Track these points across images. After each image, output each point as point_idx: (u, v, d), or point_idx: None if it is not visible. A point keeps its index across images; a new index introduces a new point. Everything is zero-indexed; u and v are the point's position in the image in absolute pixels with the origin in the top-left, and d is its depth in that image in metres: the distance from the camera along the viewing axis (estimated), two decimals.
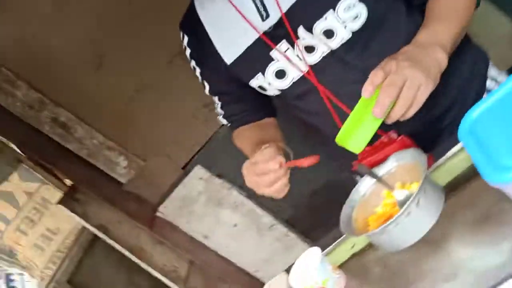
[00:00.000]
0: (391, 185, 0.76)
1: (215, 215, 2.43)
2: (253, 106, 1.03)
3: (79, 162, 2.23)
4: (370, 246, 0.83)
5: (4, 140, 2.23)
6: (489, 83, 0.92)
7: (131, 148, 2.23)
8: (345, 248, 0.88)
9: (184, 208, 2.42)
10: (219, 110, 1.07)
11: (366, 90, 0.66)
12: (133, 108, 2.10)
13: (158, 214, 2.42)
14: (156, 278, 2.25)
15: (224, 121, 1.08)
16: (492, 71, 0.94)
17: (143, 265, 2.22)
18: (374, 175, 0.79)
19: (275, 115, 1.07)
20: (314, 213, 2.16)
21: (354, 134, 0.71)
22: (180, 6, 1.02)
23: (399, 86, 0.65)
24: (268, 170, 0.78)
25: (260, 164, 0.78)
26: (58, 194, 2.22)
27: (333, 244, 0.92)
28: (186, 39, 0.98)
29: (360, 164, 0.82)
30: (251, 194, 2.39)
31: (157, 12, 1.87)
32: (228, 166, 2.12)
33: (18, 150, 2.25)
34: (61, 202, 2.11)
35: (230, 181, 2.31)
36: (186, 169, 2.27)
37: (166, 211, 2.42)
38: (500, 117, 0.61)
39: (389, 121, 0.68)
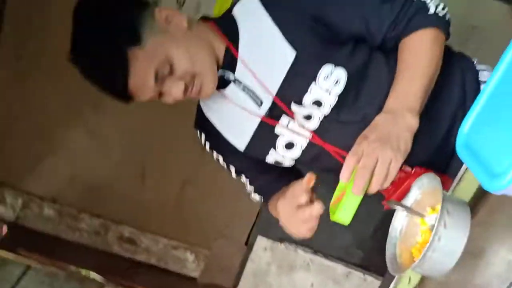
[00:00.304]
0: (422, 212, 0.80)
1: (290, 280, 2.44)
2: (278, 174, 1.10)
3: (152, 270, 2.36)
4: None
5: (83, 270, 2.41)
6: (483, 88, 0.95)
7: (193, 241, 2.34)
8: (403, 284, 0.91)
9: (260, 283, 2.45)
10: (248, 187, 1.13)
11: (343, 176, 0.75)
12: (183, 203, 2.24)
13: None
14: None
15: (257, 197, 1.14)
16: (482, 76, 0.97)
17: None
18: (404, 207, 0.83)
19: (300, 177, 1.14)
20: (382, 250, 2.13)
21: (341, 208, 0.79)
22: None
23: (371, 168, 0.73)
24: (301, 203, 0.81)
25: (294, 198, 0.82)
26: None
27: (392, 284, 0.94)
28: (203, 135, 1.08)
29: (389, 201, 0.86)
30: (316, 249, 2.40)
31: (180, 115, 2.05)
32: None
33: (98, 276, 2.42)
34: None
35: (293, 242, 2.35)
36: (248, 243, 2.33)
37: None
38: (487, 126, 0.65)
39: (370, 193, 0.75)
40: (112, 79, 0.84)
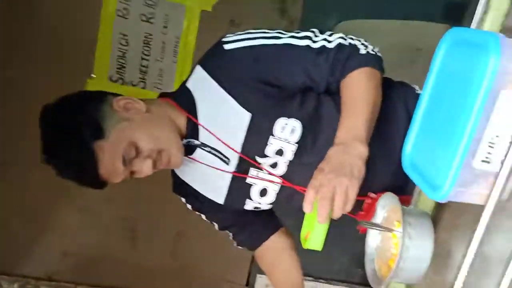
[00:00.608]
0: (390, 227, 0.87)
1: None
2: (259, 225, 1.18)
3: None
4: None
5: None
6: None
7: None
8: None
9: None
10: (232, 240, 1.22)
11: (306, 208, 0.82)
12: (179, 257, 2.26)
13: None
14: None
15: (240, 248, 1.23)
16: None
17: None
18: (374, 225, 0.90)
19: (281, 225, 1.22)
20: None
21: (312, 236, 0.86)
22: None
23: (330, 197, 0.79)
24: None
25: None
26: None
27: None
28: (183, 199, 1.16)
29: (361, 222, 0.94)
30: (317, 277, 2.44)
31: (164, 171, 2.11)
32: None
33: None
34: None
35: None
36: (249, 284, 2.36)
37: None
38: (425, 144, 0.73)
39: (335, 218, 0.83)
40: (83, 174, 0.91)
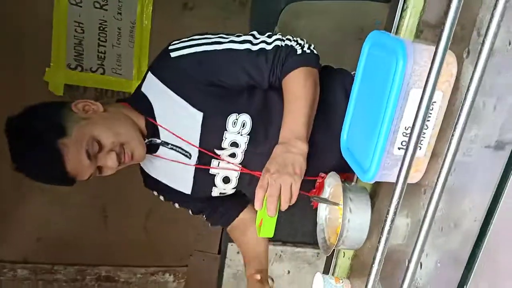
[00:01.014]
0: (336, 202, 0.98)
1: (269, 274, 2.62)
2: (229, 206, 1.28)
3: None
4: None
5: None
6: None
7: (169, 263, 2.46)
8: (341, 257, 1.09)
9: (240, 284, 2.60)
10: (206, 221, 1.32)
11: (257, 206, 0.92)
12: (151, 231, 2.36)
13: None
14: None
15: (214, 226, 1.33)
16: None
17: None
18: (322, 199, 1.01)
19: (248, 201, 1.32)
20: None
21: (264, 227, 0.96)
22: None
23: (276, 195, 0.90)
24: None
25: None
26: None
27: (333, 258, 1.13)
28: (155, 192, 1.23)
29: (312, 197, 1.04)
30: (285, 241, 2.59)
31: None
32: None
33: None
34: None
35: None
36: (221, 252, 2.47)
37: None
38: (357, 130, 0.82)
39: (282, 210, 0.94)
40: (52, 173, 0.97)
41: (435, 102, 0.64)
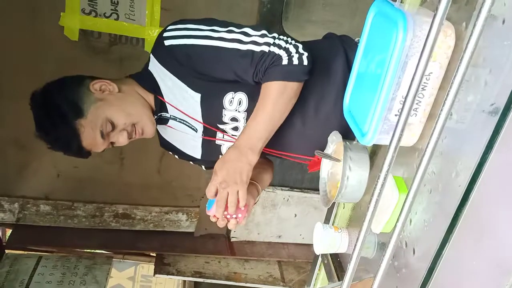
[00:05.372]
0: (338, 158, 1.03)
1: (276, 216, 2.75)
2: None
3: (152, 235, 2.62)
4: None
5: (91, 250, 2.66)
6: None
7: (182, 204, 2.59)
8: (341, 208, 1.16)
9: (250, 224, 2.75)
10: None
11: (208, 203, 1.02)
12: (164, 175, 2.46)
13: (233, 240, 2.77)
14: None
15: None
16: None
17: (243, 284, 2.57)
18: (325, 155, 1.06)
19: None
20: None
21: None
22: None
23: (224, 200, 0.99)
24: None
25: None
26: (152, 267, 2.62)
27: (334, 209, 1.20)
28: (170, 152, 1.31)
29: (317, 151, 1.09)
30: (292, 186, 2.69)
31: None
32: None
33: (104, 251, 2.68)
34: (156, 272, 2.50)
35: (271, 185, 2.62)
36: None
37: (237, 234, 2.77)
38: (358, 95, 0.85)
39: (231, 213, 1.01)
40: (70, 147, 1.06)
41: (431, 72, 0.67)
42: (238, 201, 1.00)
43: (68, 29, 1.98)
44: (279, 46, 0.98)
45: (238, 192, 0.99)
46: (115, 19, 2.00)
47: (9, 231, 2.60)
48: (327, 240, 1.06)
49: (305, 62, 0.98)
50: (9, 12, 1.93)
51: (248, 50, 0.99)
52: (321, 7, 2.26)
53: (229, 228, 1.06)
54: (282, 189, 2.64)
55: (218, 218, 1.03)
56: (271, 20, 2.20)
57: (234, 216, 1.04)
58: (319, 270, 1.35)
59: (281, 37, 1.00)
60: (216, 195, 1.01)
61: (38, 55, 1.99)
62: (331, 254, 1.22)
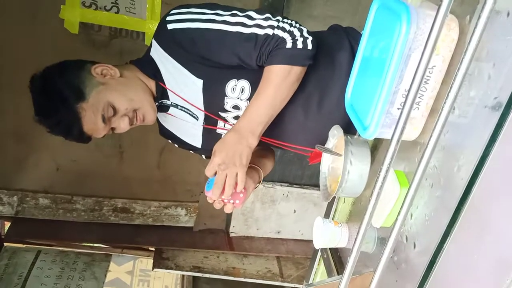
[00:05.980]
0: (339, 153, 1.02)
1: (274, 211, 2.75)
2: None
3: (151, 229, 2.62)
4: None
5: (89, 244, 2.66)
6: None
7: (181, 198, 2.59)
8: (341, 203, 1.16)
9: (249, 219, 2.76)
10: None
11: (208, 174, 1.00)
12: (164, 169, 2.46)
13: (232, 235, 2.78)
14: (257, 284, 2.60)
15: None
16: None
17: (242, 279, 2.57)
18: (326, 149, 1.06)
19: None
20: None
21: None
22: None
23: (222, 182, 0.97)
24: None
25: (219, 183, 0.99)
26: (150, 261, 2.62)
27: (334, 204, 1.20)
28: (170, 141, 1.29)
29: (318, 146, 1.09)
30: (292, 182, 2.69)
31: None
32: None
33: (104, 245, 2.68)
34: (155, 266, 2.50)
35: (270, 181, 2.62)
36: None
37: (236, 229, 2.77)
38: (360, 89, 0.85)
39: (225, 197, 1.00)
40: (70, 131, 1.04)
41: (435, 66, 0.67)
42: (236, 184, 0.99)
43: (68, 22, 1.97)
44: (283, 29, 0.97)
45: (237, 174, 0.98)
46: (115, 12, 1.99)
47: (8, 224, 2.59)
48: (327, 234, 1.05)
49: (310, 46, 0.97)
50: (9, 5, 1.92)
51: (252, 33, 0.97)
52: (323, 2, 2.25)
53: (225, 211, 1.05)
54: (281, 185, 2.64)
55: (214, 200, 1.02)
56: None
57: (232, 201, 1.03)
58: (318, 264, 1.36)
59: (285, 20, 0.99)
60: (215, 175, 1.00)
61: (38, 48, 1.98)
62: (330, 249, 1.23)
